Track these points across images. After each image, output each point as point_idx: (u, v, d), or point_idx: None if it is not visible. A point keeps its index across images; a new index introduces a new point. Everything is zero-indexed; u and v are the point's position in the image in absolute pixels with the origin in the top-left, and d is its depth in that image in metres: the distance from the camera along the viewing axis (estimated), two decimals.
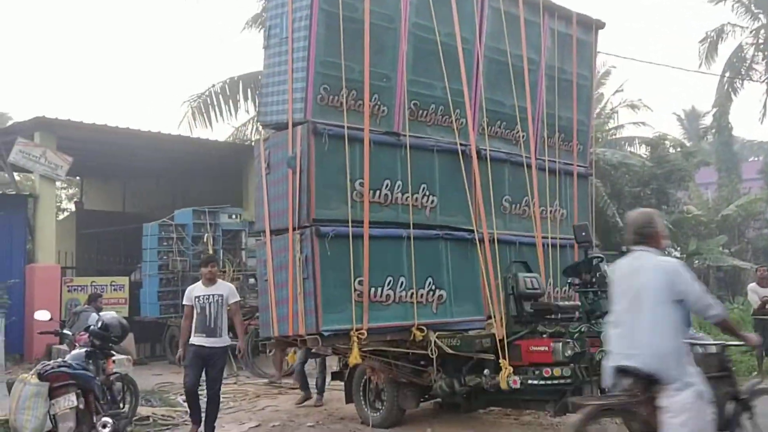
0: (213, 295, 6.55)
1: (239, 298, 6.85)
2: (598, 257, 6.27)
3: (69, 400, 5.08)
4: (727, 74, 24.55)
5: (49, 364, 5.45)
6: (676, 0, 72.40)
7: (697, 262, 18.74)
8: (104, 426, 5.49)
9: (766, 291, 10.15)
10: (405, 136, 6.77)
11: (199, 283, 6.76)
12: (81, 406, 5.29)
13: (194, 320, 6.55)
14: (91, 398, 5.57)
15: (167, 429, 7.13)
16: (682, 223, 19.15)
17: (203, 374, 6.56)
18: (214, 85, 15.76)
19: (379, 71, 6.63)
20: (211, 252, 11.98)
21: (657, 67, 65.34)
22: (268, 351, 7.76)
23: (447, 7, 7.01)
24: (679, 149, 19.08)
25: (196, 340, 6.50)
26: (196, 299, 6.57)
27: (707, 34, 24.65)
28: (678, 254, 19.32)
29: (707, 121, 30.41)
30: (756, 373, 9.90)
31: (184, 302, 6.77)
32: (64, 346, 7.44)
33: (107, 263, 14.80)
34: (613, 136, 28.16)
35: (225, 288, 6.72)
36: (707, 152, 29.62)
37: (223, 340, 6.56)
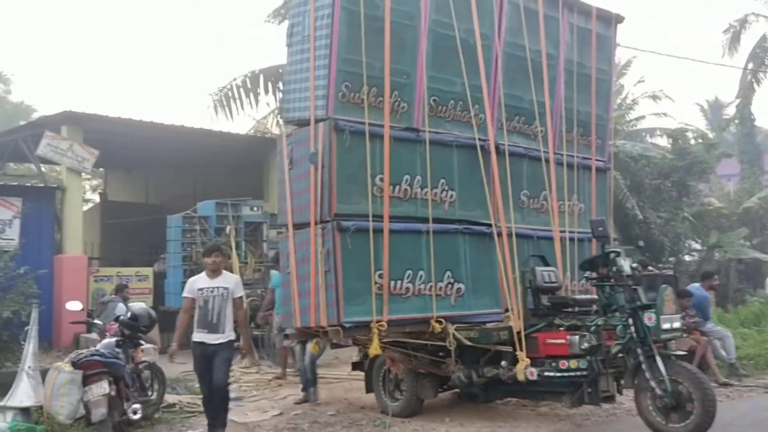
0: (217, 288, 6.18)
1: (244, 293, 6.50)
2: (615, 251, 6.34)
3: (101, 388, 5.30)
4: (750, 65, 24.25)
5: (82, 353, 5.70)
6: None
7: (718, 254, 18.66)
8: (135, 413, 5.74)
9: None
10: (424, 131, 6.88)
11: (203, 274, 6.36)
12: (113, 393, 5.52)
13: (196, 314, 6.18)
14: (122, 386, 5.82)
15: (193, 416, 7.34)
16: (703, 215, 19.06)
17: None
18: (235, 79, 15.95)
19: (399, 68, 6.74)
20: (233, 243, 12.20)
21: (680, 59, 64.23)
22: (291, 342, 7.92)
23: (466, 4, 7.09)
24: (700, 141, 18.89)
25: (198, 336, 6.15)
26: (199, 292, 6.19)
27: (731, 25, 24.37)
28: (699, 246, 19.26)
29: (730, 111, 30.09)
30: None
31: (184, 294, 6.34)
32: (92, 335, 7.71)
33: (131, 253, 15.12)
34: (634, 127, 28.04)
35: (230, 280, 6.35)
36: (730, 143, 29.35)
37: (227, 336, 6.18)
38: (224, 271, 6.38)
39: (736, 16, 26.56)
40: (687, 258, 19.03)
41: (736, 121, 25.63)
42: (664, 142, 22.70)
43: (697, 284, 10.39)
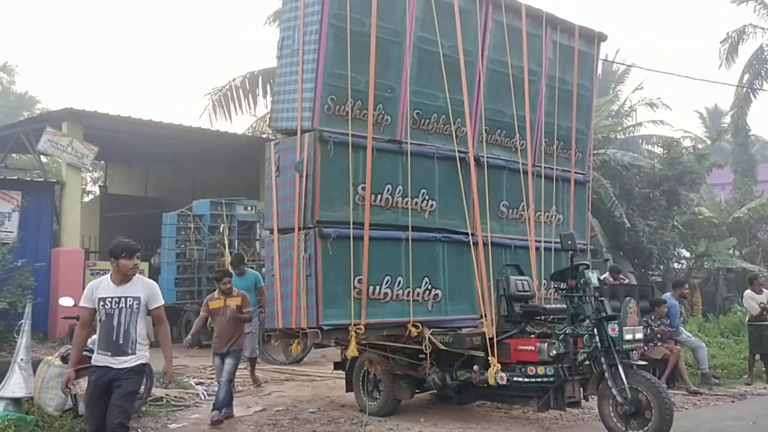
0: (125, 298, 4.87)
1: (163, 302, 5.11)
2: (584, 264, 6.63)
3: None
4: (747, 76, 24.49)
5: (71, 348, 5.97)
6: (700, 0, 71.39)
7: (706, 263, 18.92)
8: None
9: (762, 297, 10.42)
10: (407, 143, 7.17)
11: (107, 277, 4.97)
12: None
13: (98, 331, 4.92)
14: None
15: (179, 410, 7.64)
16: (693, 224, 19.31)
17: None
18: (234, 79, 16.24)
19: (384, 82, 7.02)
20: (226, 242, 12.50)
21: (679, 65, 64.51)
22: (273, 341, 8.22)
23: (451, 22, 7.38)
24: (691, 151, 19.14)
25: (98, 359, 4.85)
26: (101, 303, 4.86)
27: (728, 35, 24.64)
28: (688, 255, 19.52)
29: (729, 119, 30.32)
30: (746, 376, 10.21)
31: (82, 302, 5.01)
32: None
33: None
34: (631, 134, 28.27)
35: (144, 288, 4.95)
36: (726, 152, 29.55)
37: (137, 358, 4.89)
38: (138, 276, 5.01)
39: (734, 26, 26.70)
40: (675, 266, 19.32)
41: (731, 132, 25.84)
42: (660, 150, 22.93)
43: (669, 293, 10.70)
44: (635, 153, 20.79)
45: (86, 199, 20.77)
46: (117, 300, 4.84)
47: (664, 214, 17.25)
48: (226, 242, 12.48)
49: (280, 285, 6.90)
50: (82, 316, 4.97)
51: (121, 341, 4.81)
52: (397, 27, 7.10)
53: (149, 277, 13.75)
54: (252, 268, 12.94)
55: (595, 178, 14.86)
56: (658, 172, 17.32)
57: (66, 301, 7.55)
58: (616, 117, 24.66)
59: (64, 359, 5.80)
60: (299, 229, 6.69)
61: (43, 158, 14.51)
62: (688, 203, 18.91)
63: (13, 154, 17.88)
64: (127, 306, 4.83)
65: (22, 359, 6.66)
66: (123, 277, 4.89)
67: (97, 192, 21.97)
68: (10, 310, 10.32)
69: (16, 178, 12.59)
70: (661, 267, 18.39)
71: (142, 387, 5.84)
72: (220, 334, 7.45)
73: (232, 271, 8.82)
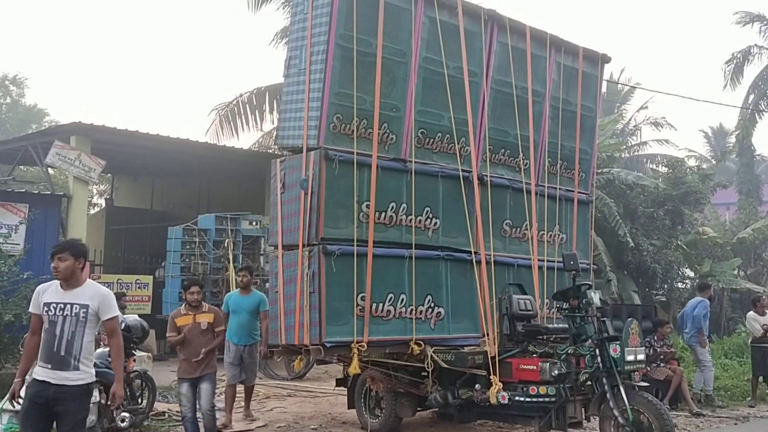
0: (71, 305, 4.30)
1: (117, 313, 4.50)
2: (586, 284, 6.66)
3: (92, 396, 5.60)
4: (752, 96, 24.56)
5: None
6: (705, 20, 71.74)
7: (711, 283, 18.84)
8: (122, 420, 6.07)
9: (765, 318, 10.41)
10: (411, 162, 7.24)
11: (55, 283, 4.42)
12: (103, 401, 5.84)
13: (42, 339, 4.34)
14: None
15: (181, 424, 7.65)
16: (697, 244, 19.29)
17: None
18: (241, 95, 16.38)
19: (389, 102, 7.11)
20: (231, 256, 12.55)
21: (684, 85, 64.72)
22: (276, 357, 8.24)
23: (457, 43, 7.46)
24: (696, 171, 19.16)
25: (38, 372, 4.31)
26: (45, 308, 4.33)
27: (733, 56, 24.74)
28: (692, 274, 19.48)
29: (734, 139, 30.40)
30: (750, 398, 10.17)
31: (30, 308, 4.51)
32: None
33: (133, 261, 15.49)
34: (636, 153, 28.34)
35: (94, 295, 4.36)
36: (731, 172, 29.56)
37: (81, 376, 4.28)
38: (90, 282, 4.52)
39: (739, 47, 26.80)
40: (680, 285, 19.27)
41: (736, 152, 25.86)
42: (664, 170, 22.97)
43: (698, 297, 10.57)
44: (640, 172, 20.83)
45: (92, 211, 20.89)
46: (61, 306, 4.28)
47: (669, 234, 17.24)
48: (231, 257, 12.54)
49: (283, 301, 6.94)
50: (32, 322, 4.45)
51: (62, 353, 4.21)
52: (403, 47, 7.19)
53: (153, 291, 13.92)
54: (256, 283, 13.04)
55: (599, 197, 14.89)
56: (663, 191, 17.33)
57: None
58: (620, 136, 24.75)
59: None
60: (303, 245, 6.74)
61: (50, 171, 14.63)
62: (693, 223, 18.89)
63: (21, 167, 18.04)
64: (73, 314, 4.26)
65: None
66: (64, 280, 4.33)
67: (103, 204, 22.09)
68: (15, 322, 10.36)
69: (23, 190, 12.68)
70: (665, 287, 18.34)
71: (92, 416, 5.39)
72: (189, 357, 6.50)
73: (239, 286, 8.31)
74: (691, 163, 24.22)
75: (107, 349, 6.54)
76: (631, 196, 17.24)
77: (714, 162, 27.17)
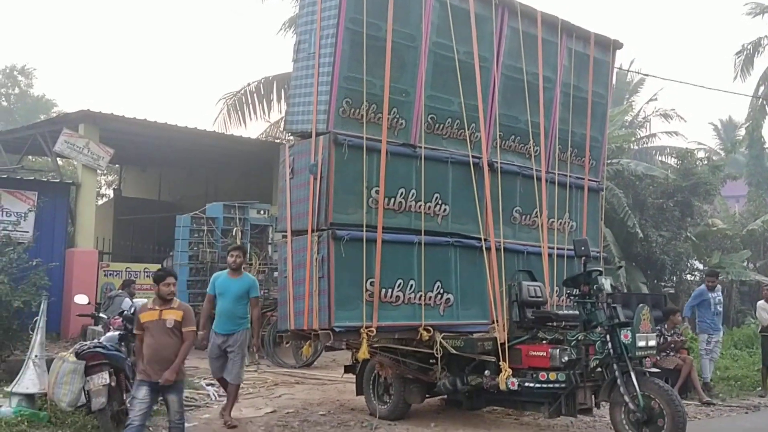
0: None
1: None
2: (597, 270, 6.61)
3: (102, 378, 5.63)
4: (762, 88, 24.35)
5: (86, 345, 6.04)
6: (715, 11, 71.26)
7: (720, 275, 18.74)
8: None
9: None
10: (421, 147, 7.20)
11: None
12: (113, 384, 5.85)
13: None
14: (122, 377, 6.15)
15: (190, 410, 7.64)
16: (706, 235, 19.18)
17: None
18: (249, 84, 16.36)
19: (399, 86, 7.06)
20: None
21: (693, 77, 64.33)
22: (285, 342, 8.24)
23: (467, 27, 7.41)
24: (706, 162, 19.04)
25: None
26: None
27: (743, 47, 24.53)
28: (701, 266, 19.37)
29: (743, 132, 30.17)
30: (760, 388, 10.12)
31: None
32: (99, 328, 8.04)
33: (141, 250, 15.53)
34: (645, 145, 28.17)
35: None
36: (740, 164, 29.36)
37: None
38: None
39: (749, 38, 26.59)
40: (689, 277, 19.18)
41: (746, 144, 25.67)
42: (673, 161, 22.82)
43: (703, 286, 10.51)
44: (649, 164, 20.69)
45: (100, 202, 20.94)
46: None
47: (678, 225, 17.15)
48: (247, 251, 12.51)
49: (292, 286, 6.92)
50: None
51: None
52: (413, 32, 7.14)
53: None
54: (263, 272, 13.04)
55: (609, 188, 14.79)
56: (672, 182, 17.23)
57: (81, 299, 7.61)
58: (629, 128, 24.58)
59: (79, 355, 5.86)
60: (312, 230, 6.72)
61: (59, 161, 14.66)
62: (702, 214, 18.79)
63: (30, 156, 18.09)
64: None
65: (36, 356, 6.72)
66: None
67: (111, 195, 22.15)
68: (25, 308, 10.39)
69: (32, 178, 12.71)
70: (674, 278, 18.26)
71: (102, 398, 5.78)
72: (152, 358, 5.55)
73: (230, 267, 7.30)
74: (700, 155, 24.06)
75: (116, 333, 6.59)
76: (640, 187, 17.15)
77: (723, 154, 26.99)
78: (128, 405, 6.04)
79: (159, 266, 13.96)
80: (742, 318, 18.18)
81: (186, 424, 6.78)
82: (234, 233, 12.75)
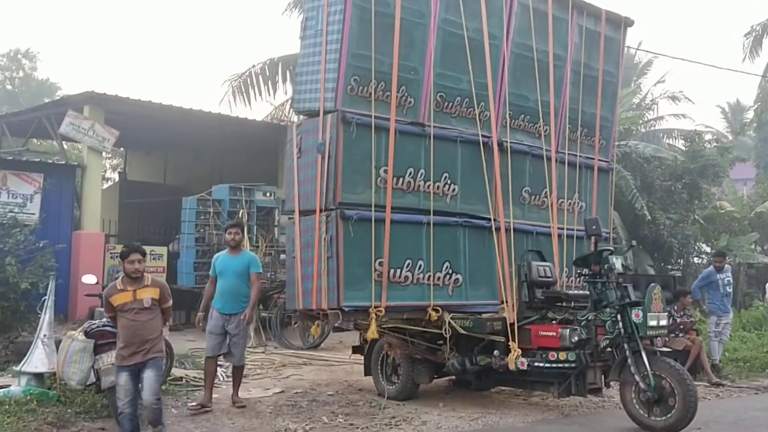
0: None
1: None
2: (608, 250, 6.56)
3: (111, 357, 5.60)
4: None
5: (94, 323, 6.02)
6: None
7: (728, 258, 18.64)
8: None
9: None
10: (430, 126, 7.12)
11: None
12: None
13: None
14: None
15: (198, 389, 7.66)
16: (714, 218, 19.06)
17: None
18: (254, 66, 16.22)
19: (407, 64, 6.97)
20: (245, 227, 12.49)
21: (701, 58, 63.76)
22: (293, 323, 8.22)
23: (476, 4, 7.30)
24: (715, 144, 18.87)
25: None
26: None
27: (752, 28, 24.20)
28: (709, 249, 19.28)
29: (751, 115, 29.90)
30: None
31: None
32: None
33: (147, 233, 15.50)
34: (652, 128, 27.96)
35: None
36: (748, 147, 29.15)
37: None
38: None
39: (759, 19, 26.25)
40: (696, 260, 19.09)
41: (754, 125, 25.47)
42: (681, 144, 22.63)
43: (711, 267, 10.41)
44: (657, 146, 20.52)
45: (105, 186, 20.90)
46: None
47: (686, 208, 17.03)
48: (245, 227, 12.48)
49: (300, 266, 6.89)
50: None
51: None
52: (422, 8, 7.04)
53: (168, 262, 13.89)
54: (270, 254, 13.01)
55: (616, 170, 14.65)
56: (681, 164, 17.08)
57: (89, 279, 7.59)
58: (636, 110, 24.36)
59: (88, 334, 5.83)
60: (321, 210, 6.67)
61: (64, 144, 14.59)
62: (710, 197, 18.66)
63: (34, 140, 18.04)
64: None
65: (45, 335, 6.71)
66: None
67: (116, 179, 22.11)
68: (32, 290, 10.40)
69: (38, 160, 12.67)
70: (681, 261, 18.17)
71: (112, 377, 5.50)
72: (131, 340, 5.28)
73: (229, 245, 7.00)
74: (708, 138, 23.84)
75: None
76: (648, 170, 17.01)
77: (731, 137, 26.79)
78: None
79: (166, 248, 14.03)
80: (750, 301, 18.11)
81: (194, 403, 6.82)
82: (240, 215, 12.71)
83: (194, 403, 6.84)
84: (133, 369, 5.30)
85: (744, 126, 24.40)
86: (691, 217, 17.28)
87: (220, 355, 7.04)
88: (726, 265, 10.27)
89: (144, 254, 5.52)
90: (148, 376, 5.26)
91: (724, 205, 20.00)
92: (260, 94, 16.40)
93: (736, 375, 9.76)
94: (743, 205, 20.99)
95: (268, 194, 13.67)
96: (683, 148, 19.79)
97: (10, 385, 6.68)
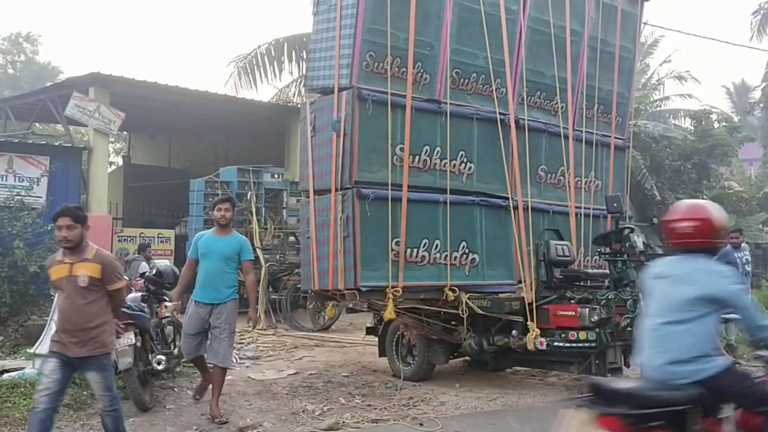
0: None
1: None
2: (629, 228, 6.46)
3: (128, 338, 5.53)
4: None
5: None
6: None
7: (733, 228, 18.53)
8: (159, 363, 5.98)
9: None
10: (446, 103, 6.99)
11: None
12: (138, 344, 5.76)
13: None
14: (147, 338, 6.06)
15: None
16: (722, 198, 18.94)
17: None
18: (260, 47, 16.07)
19: (423, 40, 6.83)
20: (254, 209, 12.43)
21: (707, 38, 63.22)
22: (308, 303, 8.14)
23: None
24: (723, 124, 18.71)
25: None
26: None
27: (760, 6, 23.98)
28: None
29: (757, 95, 29.65)
30: None
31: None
32: None
33: (152, 216, 15.44)
34: (658, 108, 27.75)
35: None
36: (755, 127, 28.93)
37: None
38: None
39: None
40: None
41: (761, 105, 25.25)
42: (687, 124, 22.46)
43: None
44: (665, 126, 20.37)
45: (110, 169, 20.79)
46: None
47: (694, 188, 16.93)
48: (254, 209, 12.41)
49: (316, 246, 6.79)
50: None
51: None
52: None
53: (176, 245, 13.82)
54: (278, 237, 12.93)
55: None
56: (690, 144, 16.94)
57: None
58: (643, 90, 24.16)
59: None
60: (336, 189, 6.56)
61: (69, 127, 14.47)
62: (718, 177, 18.54)
63: (38, 124, 17.89)
64: None
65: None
66: None
67: (121, 162, 22.01)
68: (41, 273, 10.32)
69: (44, 143, 12.55)
70: None
71: (128, 358, 5.52)
72: (62, 327, 4.28)
73: (218, 223, 5.86)
74: (714, 118, 23.67)
75: (139, 294, 6.48)
76: (657, 150, 16.89)
77: (736, 118, 26.57)
78: (154, 365, 5.95)
79: (173, 231, 13.96)
80: (757, 281, 18.03)
81: (196, 397, 6.18)
82: (248, 197, 12.62)
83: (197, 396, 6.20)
84: (63, 360, 4.19)
85: (752, 106, 24.15)
86: (700, 197, 17.16)
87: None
88: (743, 244, 10.07)
89: (79, 220, 4.22)
90: (92, 379, 4.27)
91: (732, 185, 19.88)
92: (266, 75, 16.25)
93: (750, 355, 9.68)
94: (751, 186, 20.87)
95: (276, 176, 13.57)
96: (691, 128, 19.63)
97: (24, 368, 6.63)
